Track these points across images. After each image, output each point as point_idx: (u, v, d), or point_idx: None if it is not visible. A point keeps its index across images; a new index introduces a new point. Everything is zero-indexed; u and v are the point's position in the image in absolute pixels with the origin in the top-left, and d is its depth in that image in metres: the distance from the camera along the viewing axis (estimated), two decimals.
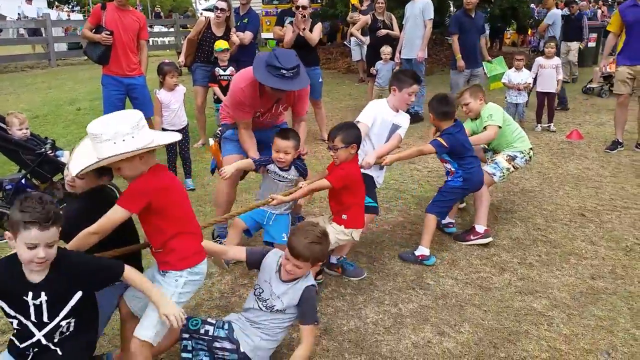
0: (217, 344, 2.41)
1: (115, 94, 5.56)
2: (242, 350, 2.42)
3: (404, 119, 3.66)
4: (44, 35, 14.35)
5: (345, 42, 12.57)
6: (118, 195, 3.36)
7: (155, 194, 2.13)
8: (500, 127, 4.03)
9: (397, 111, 3.63)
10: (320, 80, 6.83)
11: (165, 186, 2.18)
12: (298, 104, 3.61)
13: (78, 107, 8.38)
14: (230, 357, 2.42)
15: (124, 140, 2.00)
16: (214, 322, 2.47)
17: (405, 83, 3.54)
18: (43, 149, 4.20)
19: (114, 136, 2.00)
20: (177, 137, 2.34)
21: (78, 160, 2.11)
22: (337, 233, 3.10)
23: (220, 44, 6.13)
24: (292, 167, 3.34)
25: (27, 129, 4.35)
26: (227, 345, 2.41)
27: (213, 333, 2.43)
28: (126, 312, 2.43)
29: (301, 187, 3.13)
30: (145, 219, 2.22)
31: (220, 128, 3.80)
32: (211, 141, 3.67)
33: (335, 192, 3.13)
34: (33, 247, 1.83)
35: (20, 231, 1.82)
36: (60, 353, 2.03)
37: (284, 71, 3.09)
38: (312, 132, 7.13)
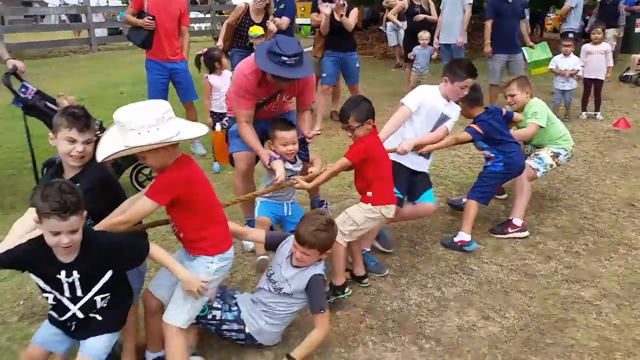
0: (225, 327, 2.55)
1: (159, 78, 5.65)
2: (247, 331, 2.55)
3: (454, 110, 3.51)
4: (84, 21, 14.69)
5: (381, 27, 12.42)
6: None
7: (181, 186, 2.15)
8: (542, 127, 3.95)
9: (448, 100, 3.47)
10: (357, 65, 6.80)
11: (191, 178, 2.20)
12: (303, 95, 3.47)
13: (121, 90, 8.60)
14: (237, 336, 2.57)
15: (148, 132, 2.00)
16: (220, 306, 2.57)
17: (459, 77, 3.36)
18: None
19: (138, 127, 2.00)
20: (204, 130, 2.29)
21: (104, 147, 2.11)
22: (365, 212, 2.94)
23: (255, 30, 6.13)
24: (297, 158, 3.31)
25: None
26: (235, 326, 2.55)
27: (221, 317, 2.55)
28: (155, 304, 2.44)
29: (323, 172, 3.07)
30: (174, 210, 2.25)
31: (227, 119, 3.76)
32: (218, 127, 3.62)
33: (358, 170, 3.02)
34: (57, 234, 1.88)
35: (42, 219, 1.87)
36: (100, 318, 2.14)
37: (284, 58, 2.98)
38: None
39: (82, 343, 2.13)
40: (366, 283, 3.18)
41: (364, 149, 2.91)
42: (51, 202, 1.83)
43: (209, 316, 2.53)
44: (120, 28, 15.81)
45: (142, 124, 2.00)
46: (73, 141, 2.21)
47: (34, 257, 1.99)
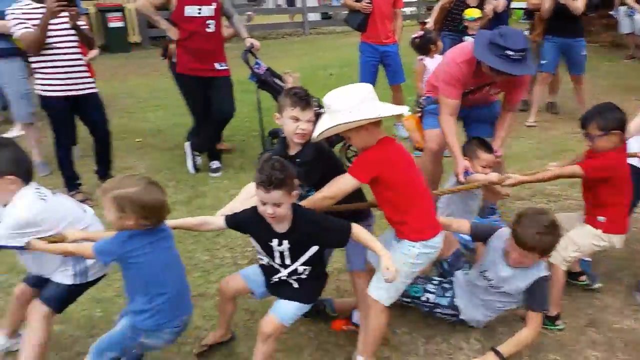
0: (438, 310, 2.62)
1: (371, 60, 5.83)
2: (460, 317, 2.58)
3: None
4: (298, 5, 15.86)
5: (611, 12, 10.90)
6: None
7: (382, 166, 2.17)
8: None
9: None
10: (584, 53, 6.09)
11: (392, 159, 2.20)
12: (513, 92, 3.22)
13: (330, 72, 9.12)
14: (449, 318, 2.63)
15: (350, 112, 2.10)
16: (434, 290, 2.61)
17: None
18: None
19: (342, 108, 2.12)
20: (403, 109, 2.31)
21: (318, 127, 2.25)
22: (592, 238, 2.65)
23: (472, 13, 5.87)
24: None
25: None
26: (449, 311, 2.60)
27: (435, 300, 2.60)
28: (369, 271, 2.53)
29: (549, 170, 2.79)
30: (376, 190, 2.28)
31: (423, 98, 3.60)
32: (406, 110, 3.54)
33: (591, 186, 2.68)
34: (264, 203, 2.08)
35: (256, 188, 2.10)
36: (296, 286, 2.30)
37: (509, 52, 2.76)
38: (570, 111, 6.43)
39: (275, 302, 2.33)
40: (584, 281, 2.91)
41: (607, 167, 2.57)
42: (262, 175, 2.04)
43: (423, 298, 2.59)
44: (331, 13, 16.71)
45: (345, 105, 2.12)
46: (296, 120, 2.35)
47: (254, 223, 2.23)
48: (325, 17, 16.91)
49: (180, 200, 4.35)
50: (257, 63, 4.83)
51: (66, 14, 3.79)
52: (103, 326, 2.66)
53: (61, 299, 2.34)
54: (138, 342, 2.14)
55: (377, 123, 2.19)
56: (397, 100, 5.88)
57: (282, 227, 2.19)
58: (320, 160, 2.40)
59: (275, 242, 2.22)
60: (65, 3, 3.69)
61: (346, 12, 6.10)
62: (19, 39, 4.00)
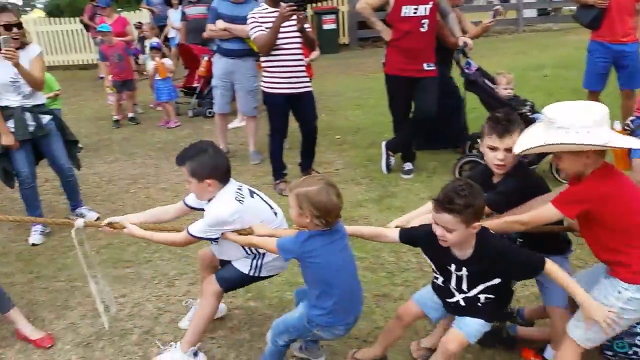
0: None
1: (600, 61, 5.13)
2: None
3: None
4: (512, 1, 14.74)
5: None
6: None
7: (593, 202, 1.90)
8: None
9: None
10: None
11: (608, 195, 1.91)
12: None
13: (544, 73, 8.32)
14: None
15: (577, 132, 1.83)
16: None
17: None
18: (523, 110, 4.27)
19: (570, 125, 1.85)
20: (637, 144, 1.97)
21: (524, 139, 2.04)
22: None
23: None
24: None
25: (511, 89, 4.53)
26: None
27: None
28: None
29: None
30: (585, 226, 2.02)
31: (632, 119, 3.08)
32: (618, 125, 3.06)
33: None
34: (436, 223, 1.99)
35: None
36: (479, 305, 2.13)
37: None
38: None
39: (458, 317, 2.19)
40: None
41: None
42: (442, 192, 1.95)
43: (630, 352, 2.24)
44: (549, 9, 15.27)
45: (575, 123, 1.85)
46: (493, 149, 2.19)
47: (430, 242, 2.11)
48: (542, 13, 15.48)
49: (372, 198, 4.41)
50: (467, 63, 4.67)
51: (295, 17, 4.13)
52: (292, 308, 2.83)
53: (233, 282, 2.59)
54: (312, 332, 2.26)
55: (601, 152, 1.92)
56: (627, 109, 5.07)
57: (462, 254, 2.07)
58: (521, 194, 2.20)
59: (453, 267, 2.10)
60: (295, 8, 4.02)
61: (570, 7, 5.46)
62: (253, 41, 4.51)
